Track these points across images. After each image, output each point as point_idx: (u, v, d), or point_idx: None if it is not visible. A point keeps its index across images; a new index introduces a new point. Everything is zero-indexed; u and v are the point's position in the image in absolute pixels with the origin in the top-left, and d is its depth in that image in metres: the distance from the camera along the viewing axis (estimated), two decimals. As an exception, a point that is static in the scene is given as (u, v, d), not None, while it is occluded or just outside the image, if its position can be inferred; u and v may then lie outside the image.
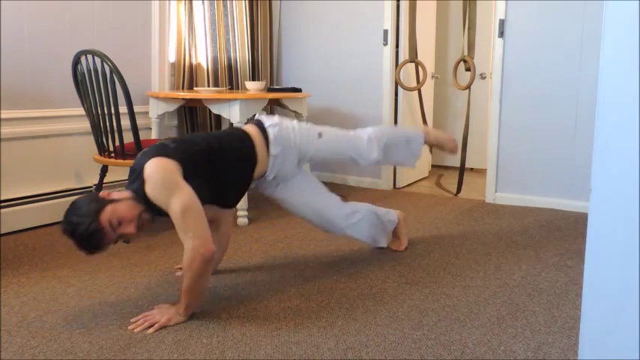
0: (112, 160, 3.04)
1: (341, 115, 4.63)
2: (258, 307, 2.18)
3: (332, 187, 4.43)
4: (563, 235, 3.20)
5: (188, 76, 4.11)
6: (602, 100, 1.11)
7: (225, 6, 4.36)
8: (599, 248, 1.14)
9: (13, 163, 3.16)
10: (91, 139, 3.22)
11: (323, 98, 4.72)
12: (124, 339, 1.90)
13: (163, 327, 1.98)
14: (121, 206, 1.98)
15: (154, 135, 3.81)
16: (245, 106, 3.39)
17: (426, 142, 2.85)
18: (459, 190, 4.38)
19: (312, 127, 2.53)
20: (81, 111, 3.25)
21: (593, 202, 1.14)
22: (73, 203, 2.00)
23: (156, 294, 2.30)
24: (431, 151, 5.34)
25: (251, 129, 2.38)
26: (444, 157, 5.77)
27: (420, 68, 4.45)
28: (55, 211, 3.34)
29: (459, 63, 4.22)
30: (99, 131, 3.04)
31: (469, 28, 4.12)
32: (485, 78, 5.35)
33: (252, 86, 3.91)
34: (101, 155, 3.10)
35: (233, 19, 4.43)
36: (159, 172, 1.97)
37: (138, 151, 2.96)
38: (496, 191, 4.06)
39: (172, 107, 3.80)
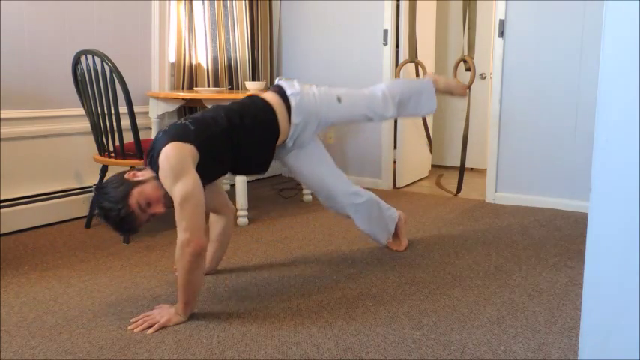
0: (112, 160, 3.04)
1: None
2: (258, 307, 2.18)
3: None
4: (563, 235, 3.20)
5: (188, 76, 4.11)
6: (602, 100, 1.11)
7: (225, 6, 4.36)
8: (599, 248, 1.14)
9: (13, 163, 3.16)
10: (91, 139, 3.22)
11: (323, 98, 4.71)
12: (124, 339, 1.90)
13: (163, 327, 1.98)
14: (147, 187, 2.03)
15: (153, 135, 3.81)
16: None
17: (436, 91, 2.85)
18: (459, 190, 4.38)
19: (330, 90, 2.52)
20: (81, 111, 3.25)
21: (593, 202, 1.14)
22: (102, 188, 2.05)
23: (156, 294, 2.30)
24: (431, 152, 5.34)
25: (272, 97, 2.37)
26: (444, 157, 5.78)
27: (420, 68, 4.45)
28: (55, 211, 3.34)
29: (459, 63, 4.22)
30: (99, 131, 3.04)
31: (469, 28, 4.12)
32: (485, 78, 5.35)
33: (252, 86, 3.91)
34: (101, 155, 3.10)
35: (233, 19, 4.43)
36: (170, 160, 1.98)
37: (138, 151, 2.97)
38: (496, 191, 4.06)
39: (172, 107, 3.80)
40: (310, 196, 4.06)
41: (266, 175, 4.94)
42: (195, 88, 4.02)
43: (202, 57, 4.23)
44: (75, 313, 2.11)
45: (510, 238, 3.13)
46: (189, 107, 4.13)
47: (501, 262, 2.72)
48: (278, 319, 2.07)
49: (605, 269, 1.13)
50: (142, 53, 3.86)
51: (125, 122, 2.94)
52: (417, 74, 4.54)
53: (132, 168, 2.29)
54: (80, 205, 3.45)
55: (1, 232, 3.07)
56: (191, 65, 4.14)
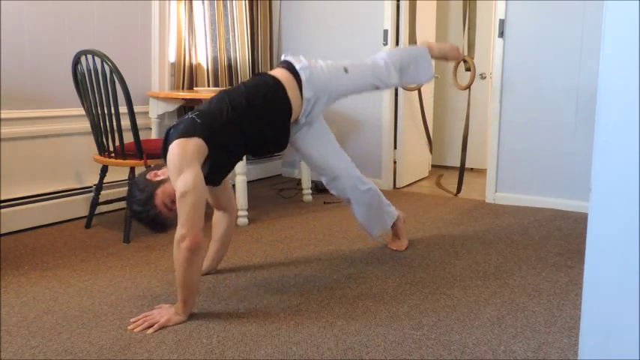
0: (112, 160, 3.04)
1: (341, 115, 4.62)
2: (258, 307, 2.18)
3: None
4: (563, 235, 3.20)
5: (188, 76, 4.11)
6: (602, 100, 1.11)
7: (225, 6, 4.36)
8: (599, 248, 1.14)
9: (13, 163, 3.16)
10: (91, 139, 3.22)
11: (323, 98, 4.71)
12: (124, 339, 1.90)
13: (163, 327, 1.98)
14: (168, 186, 2.06)
15: (154, 135, 3.81)
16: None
17: (432, 57, 2.88)
18: (459, 190, 4.38)
19: (336, 63, 2.53)
20: (81, 111, 3.25)
21: (593, 202, 1.14)
22: (130, 191, 2.12)
23: (156, 294, 2.30)
24: (431, 152, 5.34)
25: (281, 74, 2.37)
26: (444, 157, 5.78)
27: (420, 68, 4.45)
28: (55, 211, 3.34)
29: (459, 63, 4.22)
30: (99, 131, 3.04)
31: (469, 28, 4.12)
32: (485, 78, 5.35)
33: (252, 86, 3.90)
34: (101, 155, 3.10)
35: (233, 19, 4.43)
36: (174, 157, 2.03)
37: (138, 151, 2.97)
38: (496, 191, 4.06)
39: (172, 107, 3.80)
40: (310, 196, 4.06)
41: (266, 175, 4.95)
42: (195, 88, 4.02)
43: (202, 57, 4.23)
44: (75, 313, 2.11)
45: (510, 238, 3.13)
46: (189, 107, 4.12)
47: (501, 262, 2.72)
48: (278, 319, 2.07)
49: (605, 269, 1.13)
50: (142, 53, 3.86)
51: (125, 122, 2.94)
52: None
53: (148, 167, 2.28)
54: (80, 205, 3.46)
55: (1, 232, 3.07)
56: (191, 65, 4.14)
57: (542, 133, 3.86)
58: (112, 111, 2.93)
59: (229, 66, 4.44)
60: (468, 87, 4.19)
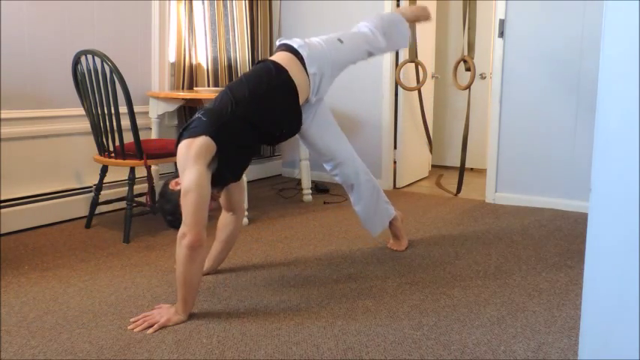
0: (112, 160, 3.04)
1: (341, 115, 4.62)
2: (258, 307, 2.18)
3: (333, 186, 4.43)
4: (563, 235, 3.20)
5: (188, 76, 4.11)
6: (602, 100, 1.11)
7: (225, 6, 4.36)
8: (599, 248, 1.14)
9: (13, 163, 3.16)
10: (91, 139, 3.22)
11: (323, 98, 4.71)
12: (124, 339, 1.90)
13: (163, 327, 1.98)
14: None
15: (153, 135, 3.81)
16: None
17: (407, 21, 2.94)
18: (459, 190, 4.38)
19: (329, 36, 2.57)
20: (81, 111, 3.25)
21: (593, 202, 1.14)
22: (160, 202, 2.17)
23: (156, 294, 2.30)
24: (431, 152, 5.34)
25: (282, 57, 2.38)
26: (444, 157, 5.78)
27: (420, 68, 4.45)
28: (55, 211, 3.34)
29: (459, 63, 4.22)
30: (99, 131, 3.04)
31: (469, 28, 4.12)
32: (485, 78, 5.35)
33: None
34: (101, 155, 3.10)
35: (233, 19, 4.43)
36: (181, 157, 2.07)
37: (138, 151, 2.97)
38: (496, 191, 4.06)
39: (172, 107, 3.80)
40: (310, 196, 4.06)
41: (266, 175, 4.95)
42: (195, 88, 4.02)
43: (202, 57, 4.23)
44: (75, 313, 2.11)
45: (510, 238, 3.13)
46: (189, 107, 4.13)
47: (501, 262, 2.72)
48: (278, 319, 2.07)
49: (605, 269, 1.13)
50: (142, 53, 3.86)
51: (125, 122, 2.94)
52: (417, 74, 4.54)
53: (168, 176, 2.26)
54: (80, 205, 3.46)
55: (1, 232, 3.07)
56: (191, 65, 4.14)
57: (542, 133, 3.86)
58: (112, 111, 2.93)
59: (229, 66, 4.43)
60: (468, 87, 4.19)
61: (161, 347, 1.84)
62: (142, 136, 3.41)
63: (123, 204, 3.26)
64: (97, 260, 2.70)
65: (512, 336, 1.94)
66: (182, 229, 1.99)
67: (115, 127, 2.97)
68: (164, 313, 2.03)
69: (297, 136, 2.57)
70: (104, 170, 3.18)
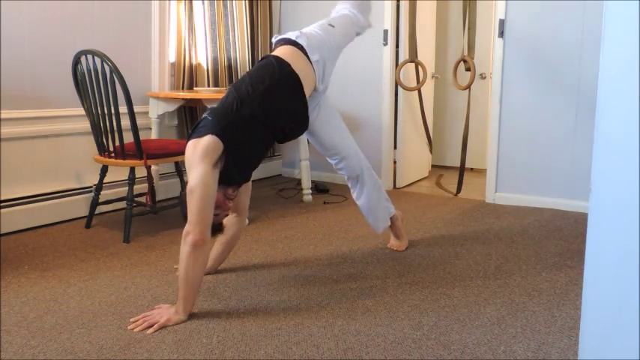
0: (112, 160, 3.04)
1: (341, 115, 4.61)
2: (258, 307, 2.18)
3: (333, 186, 4.43)
4: (563, 235, 3.20)
5: (188, 76, 4.11)
6: (602, 100, 1.11)
7: (225, 6, 4.36)
8: (599, 248, 1.14)
9: (13, 163, 3.16)
10: (91, 139, 3.22)
11: (323, 98, 4.71)
12: (124, 339, 1.90)
13: (163, 327, 1.98)
14: None
15: (153, 135, 3.81)
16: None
17: None
18: (459, 190, 4.38)
19: (320, 23, 2.61)
20: (81, 111, 3.25)
21: (593, 202, 1.14)
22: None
23: (156, 294, 2.30)
24: (431, 152, 5.34)
25: (283, 51, 2.40)
26: (444, 157, 5.78)
27: (420, 68, 4.45)
28: (55, 211, 3.34)
29: (459, 63, 4.22)
30: (99, 131, 3.04)
31: (469, 28, 4.12)
32: (485, 78, 5.35)
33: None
34: (101, 155, 3.10)
35: (233, 19, 4.43)
36: (189, 156, 2.09)
37: (138, 151, 2.97)
38: (496, 191, 4.06)
39: (172, 107, 3.80)
40: (310, 196, 4.06)
41: (266, 175, 4.95)
42: (195, 88, 4.02)
43: (202, 57, 4.23)
44: (75, 313, 2.11)
45: (510, 238, 3.13)
46: (189, 107, 4.13)
47: (501, 262, 2.72)
48: (278, 319, 2.07)
49: (605, 269, 1.13)
50: (142, 53, 3.86)
51: (125, 122, 2.94)
52: (417, 75, 4.54)
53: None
54: (80, 205, 3.46)
55: (1, 232, 3.07)
56: (191, 65, 4.14)
57: (542, 133, 3.86)
58: (112, 111, 2.93)
59: (229, 66, 4.43)
60: (468, 87, 4.19)
61: (161, 347, 1.84)
62: (142, 136, 3.41)
63: (123, 204, 3.26)
64: (97, 260, 2.70)
65: (512, 336, 1.94)
66: (186, 227, 2.00)
67: (115, 127, 2.97)
68: (164, 313, 2.03)
69: None
70: (104, 170, 3.18)
